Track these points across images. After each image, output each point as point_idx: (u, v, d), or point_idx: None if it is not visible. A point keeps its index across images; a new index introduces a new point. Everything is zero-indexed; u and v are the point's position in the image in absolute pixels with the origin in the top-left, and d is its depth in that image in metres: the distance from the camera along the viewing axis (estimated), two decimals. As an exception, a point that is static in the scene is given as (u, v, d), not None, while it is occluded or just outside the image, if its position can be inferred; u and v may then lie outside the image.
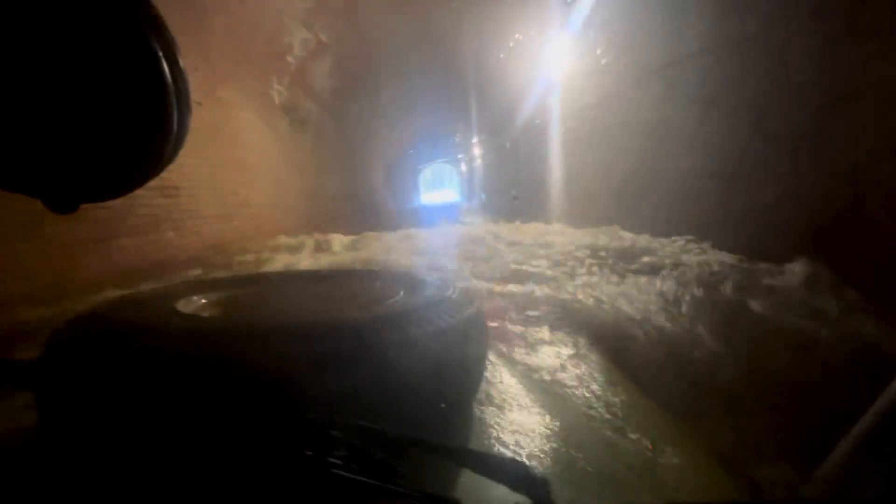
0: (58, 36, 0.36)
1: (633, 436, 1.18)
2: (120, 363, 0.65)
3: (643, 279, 2.66)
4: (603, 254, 3.41)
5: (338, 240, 5.12)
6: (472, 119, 10.82)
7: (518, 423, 1.08)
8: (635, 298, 2.34)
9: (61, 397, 0.59)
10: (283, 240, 5.39)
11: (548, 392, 1.40)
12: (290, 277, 1.80)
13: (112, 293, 2.20)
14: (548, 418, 1.14)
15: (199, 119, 4.63)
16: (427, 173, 23.82)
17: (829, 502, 0.62)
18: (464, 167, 18.24)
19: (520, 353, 1.74)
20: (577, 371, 1.59)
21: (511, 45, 6.95)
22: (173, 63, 0.39)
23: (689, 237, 3.22)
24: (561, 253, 3.70)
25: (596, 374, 1.58)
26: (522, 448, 0.99)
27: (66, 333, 0.78)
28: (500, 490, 0.44)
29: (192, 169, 4.82)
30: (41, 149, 0.39)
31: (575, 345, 1.85)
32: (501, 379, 1.37)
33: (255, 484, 0.47)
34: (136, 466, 0.57)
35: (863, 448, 0.59)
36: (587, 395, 1.41)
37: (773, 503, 0.98)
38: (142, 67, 0.38)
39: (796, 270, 2.23)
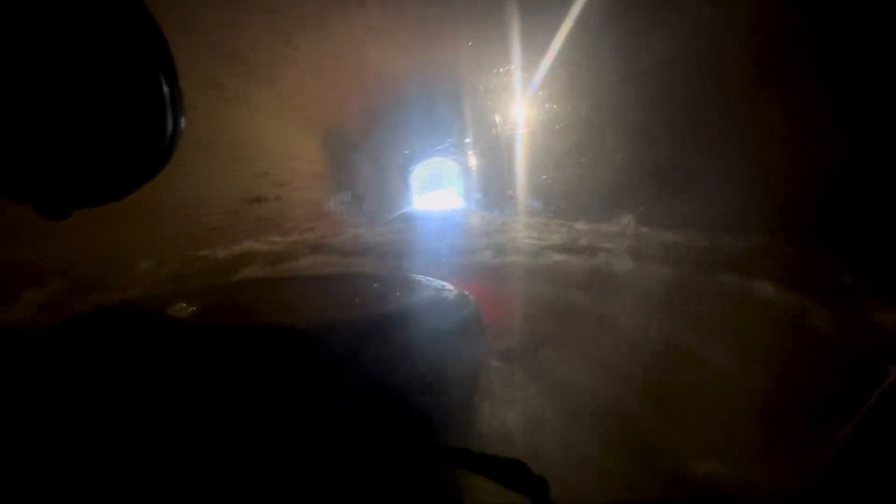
0: (49, 37, 0.34)
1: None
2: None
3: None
4: None
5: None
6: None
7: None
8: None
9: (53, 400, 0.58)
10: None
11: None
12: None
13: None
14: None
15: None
16: (422, 170, 18.35)
17: (828, 500, 0.57)
18: (474, 161, 12.89)
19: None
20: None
21: None
22: (166, 63, 0.38)
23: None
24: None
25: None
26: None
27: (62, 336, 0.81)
28: (499, 490, 0.45)
29: None
30: (31, 152, 0.37)
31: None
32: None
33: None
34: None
35: (859, 444, 0.57)
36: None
37: (772, 499, 0.78)
38: (135, 68, 0.37)
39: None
